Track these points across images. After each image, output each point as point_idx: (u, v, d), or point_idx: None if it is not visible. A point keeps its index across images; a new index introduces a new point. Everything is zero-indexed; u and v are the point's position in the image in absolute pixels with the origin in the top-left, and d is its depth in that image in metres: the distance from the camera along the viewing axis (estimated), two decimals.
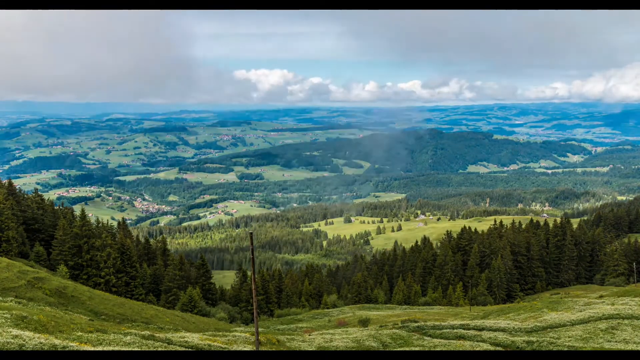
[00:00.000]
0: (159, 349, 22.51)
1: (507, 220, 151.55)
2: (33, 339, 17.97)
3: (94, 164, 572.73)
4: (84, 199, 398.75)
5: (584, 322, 34.73)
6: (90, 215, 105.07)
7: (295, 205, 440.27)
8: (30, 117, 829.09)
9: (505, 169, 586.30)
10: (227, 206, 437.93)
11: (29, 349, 17.01)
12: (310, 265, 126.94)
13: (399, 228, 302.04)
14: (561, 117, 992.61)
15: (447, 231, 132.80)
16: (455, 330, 34.09)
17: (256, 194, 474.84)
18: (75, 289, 44.09)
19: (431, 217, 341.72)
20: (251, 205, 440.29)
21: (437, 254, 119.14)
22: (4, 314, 23.05)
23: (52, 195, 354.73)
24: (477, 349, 28.28)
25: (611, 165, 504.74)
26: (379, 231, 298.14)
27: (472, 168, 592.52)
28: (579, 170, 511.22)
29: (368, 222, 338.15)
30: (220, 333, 32.88)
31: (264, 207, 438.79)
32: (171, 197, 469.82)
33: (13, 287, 38.15)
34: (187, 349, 23.81)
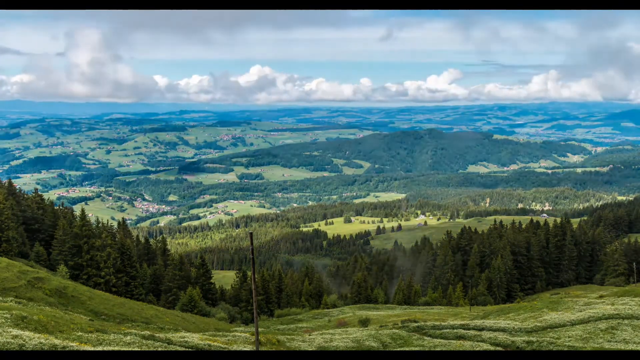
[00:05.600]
0: (159, 349, 22.52)
1: (507, 220, 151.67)
2: (33, 339, 17.97)
3: (94, 164, 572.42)
4: (84, 199, 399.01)
5: (584, 322, 34.71)
6: (90, 215, 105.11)
7: (295, 205, 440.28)
8: (30, 117, 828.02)
9: (505, 169, 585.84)
10: (227, 206, 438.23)
11: (29, 349, 17.02)
12: (310, 265, 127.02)
13: (399, 228, 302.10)
14: (561, 117, 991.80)
15: (447, 231, 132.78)
16: (455, 330, 34.08)
17: (256, 194, 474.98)
18: (75, 289, 44.08)
19: (431, 217, 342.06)
20: (251, 205, 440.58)
21: (437, 254, 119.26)
22: (4, 314, 23.04)
23: (52, 195, 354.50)
24: (477, 349, 28.26)
25: (611, 165, 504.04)
26: (379, 231, 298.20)
27: (472, 168, 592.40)
28: (579, 170, 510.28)
29: (368, 222, 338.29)
30: (220, 333, 32.90)
31: (264, 207, 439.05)
32: (171, 197, 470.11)
33: (13, 287, 38.15)
34: (187, 349, 23.81)
